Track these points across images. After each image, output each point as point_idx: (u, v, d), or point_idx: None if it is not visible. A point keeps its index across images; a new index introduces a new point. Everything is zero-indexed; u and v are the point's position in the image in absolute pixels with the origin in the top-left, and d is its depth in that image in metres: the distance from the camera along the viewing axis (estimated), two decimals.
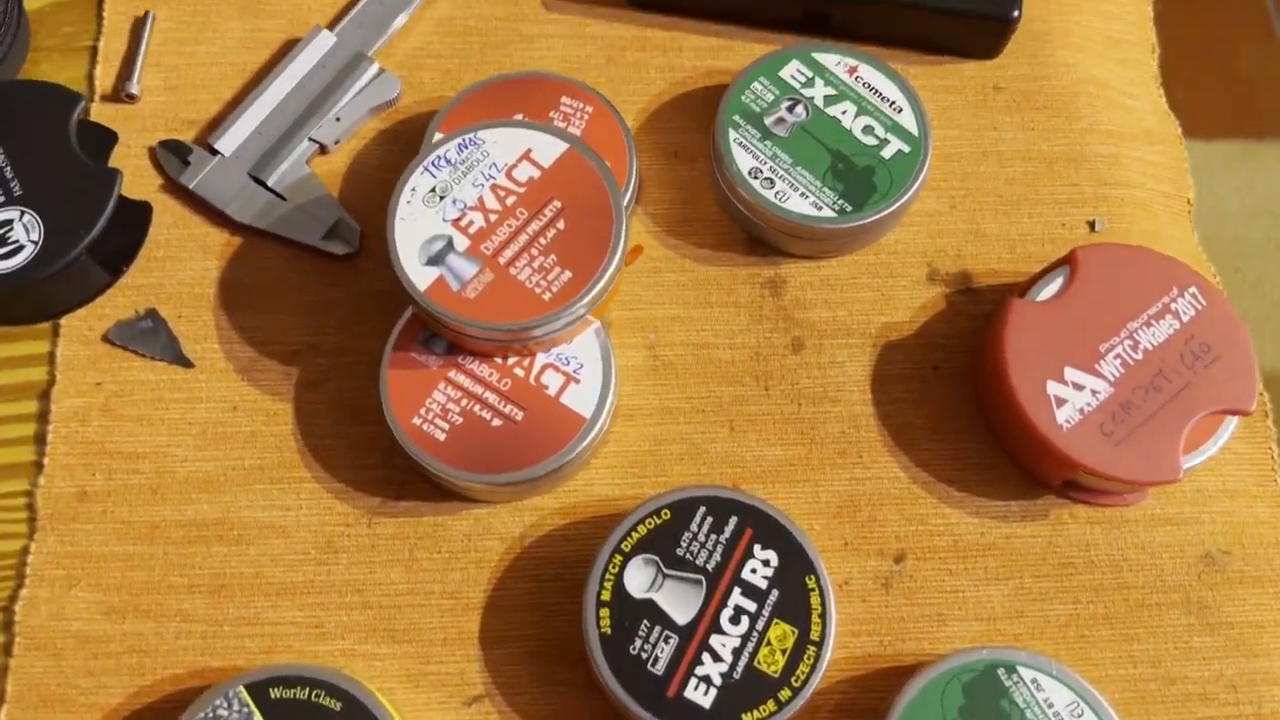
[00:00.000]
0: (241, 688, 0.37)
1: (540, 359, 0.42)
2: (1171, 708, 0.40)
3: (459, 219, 0.41)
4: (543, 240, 0.40)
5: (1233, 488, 0.43)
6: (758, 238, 0.46)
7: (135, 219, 0.46)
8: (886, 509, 0.42)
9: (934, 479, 0.43)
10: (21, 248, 0.42)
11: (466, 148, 0.42)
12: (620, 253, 0.40)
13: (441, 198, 0.41)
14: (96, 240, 0.43)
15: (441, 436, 0.40)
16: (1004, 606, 0.41)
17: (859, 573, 0.41)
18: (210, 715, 0.37)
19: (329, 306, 0.45)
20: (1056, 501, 0.43)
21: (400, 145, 0.48)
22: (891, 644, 0.40)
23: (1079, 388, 0.41)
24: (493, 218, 0.41)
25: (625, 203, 0.44)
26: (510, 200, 0.41)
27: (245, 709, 0.37)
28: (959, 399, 0.44)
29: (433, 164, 0.41)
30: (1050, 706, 0.37)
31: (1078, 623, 0.41)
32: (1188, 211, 0.49)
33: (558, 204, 0.41)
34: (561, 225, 0.41)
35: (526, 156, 0.42)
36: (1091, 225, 0.47)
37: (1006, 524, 0.42)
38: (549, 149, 0.42)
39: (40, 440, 0.43)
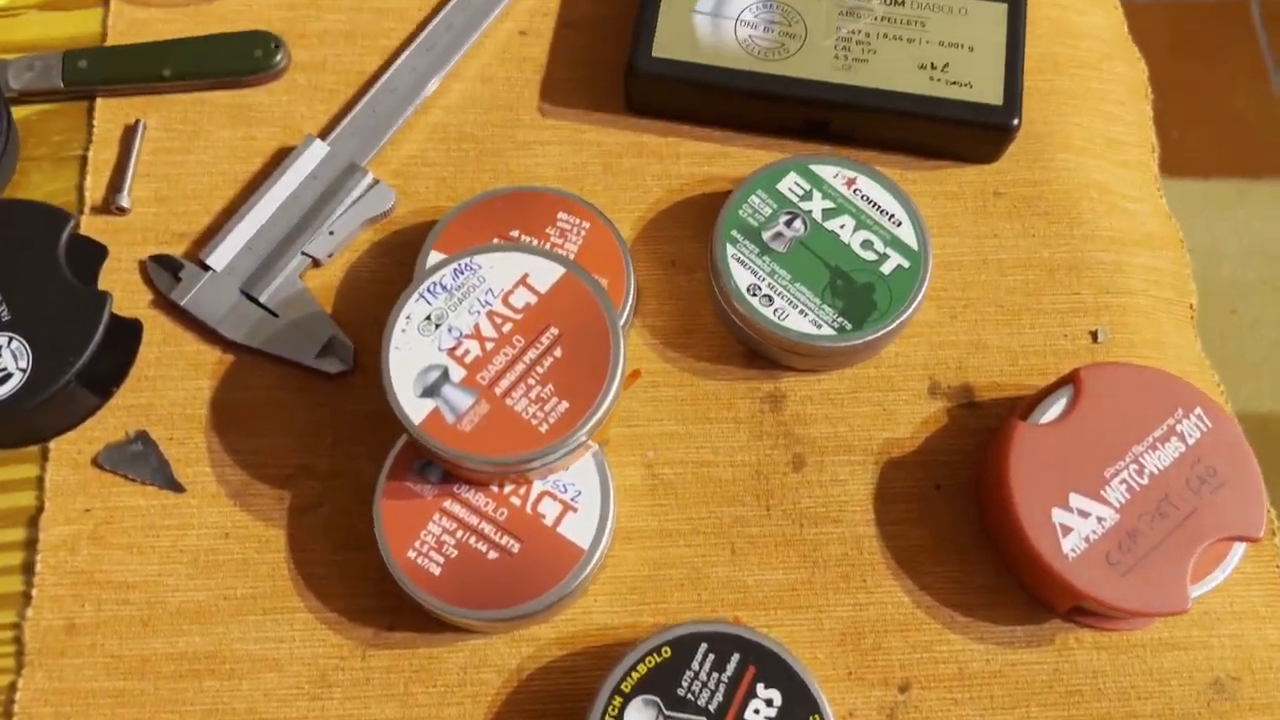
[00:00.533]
0: None
1: (537, 486, 0.41)
2: None
3: (454, 348, 0.40)
4: (539, 369, 0.40)
5: (1240, 609, 0.42)
6: (757, 351, 0.45)
7: (126, 339, 0.45)
8: (890, 636, 0.42)
9: (938, 603, 0.42)
10: (10, 375, 0.41)
11: (462, 273, 0.41)
12: (618, 381, 0.40)
13: (437, 326, 0.40)
14: (86, 366, 0.42)
15: (437, 570, 0.40)
16: None
17: (863, 703, 0.41)
18: None
19: (322, 426, 0.44)
20: (1062, 625, 0.42)
21: (395, 258, 0.47)
22: None
23: (1085, 515, 0.40)
24: (489, 346, 0.40)
25: (622, 324, 0.44)
26: (507, 328, 0.40)
27: None
28: (962, 518, 0.43)
29: (428, 291, 0.41)
30: None
31: None
32: (1190, 317, 0.48)
33: (555, 331, 0.40)
34: (559, 353, 0.40)
35: (523, 282, 0.41)
36: (1094, 336, 0.46)
37: (1012, 650, 0.41)
38: (546, 274, 0.41)
39: (28, 569, 0.42)
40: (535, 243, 0.45)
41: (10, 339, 0.42)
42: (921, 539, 0.43)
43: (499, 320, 0.40)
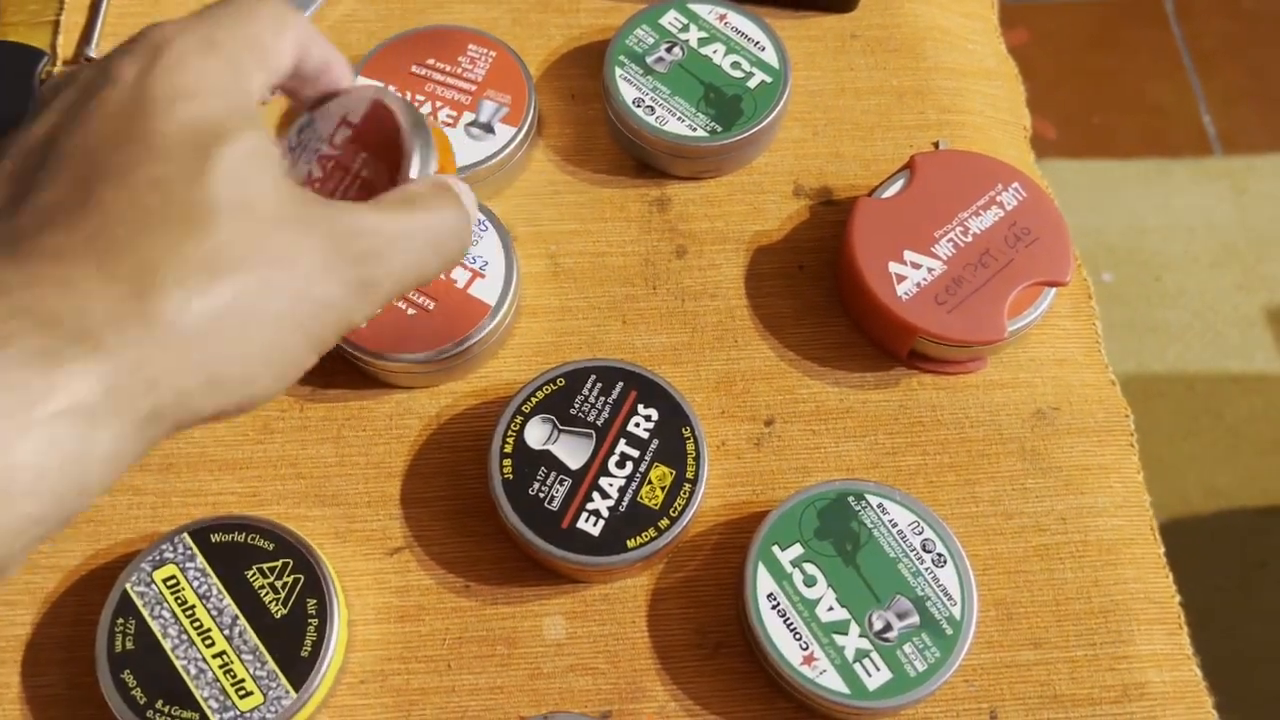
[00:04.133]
0: (186, 534, 0.42)
1: None
2: (1010, 538, 0.45)
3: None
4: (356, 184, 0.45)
5: (1062, 357, 0.49)
6: (645, 162, 0.52)
7: None
8: (758, 383, 0.48)
9: (800, 357, 0.49)
10: None
11: (303, 130, 0.47)
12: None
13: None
14: None
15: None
16: (861, 459, 0.47)
17: (733, 435, 0.47)
18: (158, 558, 0.42)
19: None
20: (907, 372, 0.49)
21: None
22: (762, 492, 0.46)
23: (916, 266, 0.47)
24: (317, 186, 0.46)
25: (525, 134, 0.51)
26: (330, 165, 0.46)
27: (189, 551, 0.42)
28: (822, 293, 0.50)
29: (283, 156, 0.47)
30: (895, 526, 0.43)
31: (926, 471, 0.47)
32: (1025, 137, 0.56)
33: (364, 155, 0.46)
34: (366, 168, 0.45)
35: (343, 121, 0.47)
36: (936, 145, 0.53)
37: (863, 391, 0.48)
38: (359, 108, 0.46)
39: None
40: (446, 68, 0.52)
41: None
42: (786, 309, 0.50)
43: (328, 163, 0.46)
